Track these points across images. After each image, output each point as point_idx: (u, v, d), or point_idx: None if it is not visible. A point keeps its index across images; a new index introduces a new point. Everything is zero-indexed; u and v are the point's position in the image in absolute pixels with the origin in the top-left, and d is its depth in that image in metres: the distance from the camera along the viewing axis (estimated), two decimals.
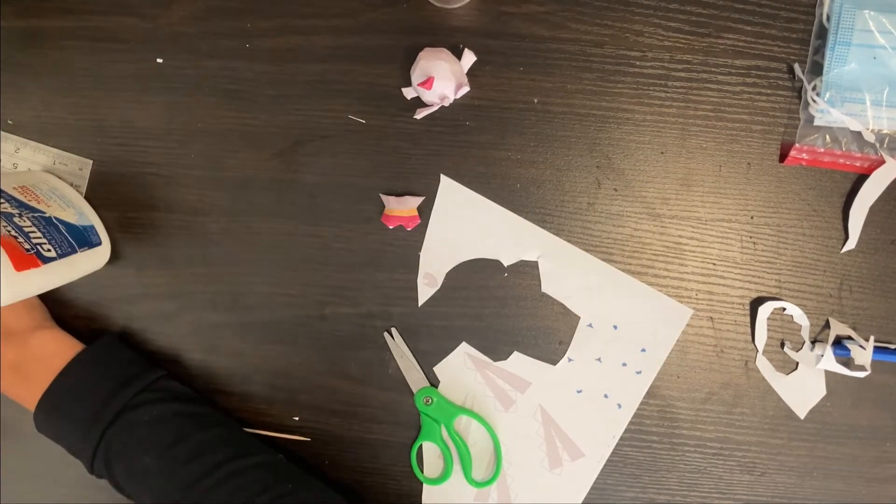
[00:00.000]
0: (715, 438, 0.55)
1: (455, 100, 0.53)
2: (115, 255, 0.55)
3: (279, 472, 0.50)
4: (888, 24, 0.50)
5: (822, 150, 0.51)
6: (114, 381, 0.50)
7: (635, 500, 0.56)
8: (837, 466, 0.54)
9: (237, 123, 0.55)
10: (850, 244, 0.52)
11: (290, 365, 0.56)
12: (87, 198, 0.55)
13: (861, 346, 0.52)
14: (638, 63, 0.53)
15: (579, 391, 0.55)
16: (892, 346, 0.53)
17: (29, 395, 0.50)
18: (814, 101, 0.51)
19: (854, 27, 0.50)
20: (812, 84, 0.51)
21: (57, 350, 0.51)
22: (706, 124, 0.53)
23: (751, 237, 0.53)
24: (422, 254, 0.54)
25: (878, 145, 0.51)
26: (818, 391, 0.54)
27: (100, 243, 0.53)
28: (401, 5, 0.54)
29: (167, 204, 0.55)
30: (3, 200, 0.46)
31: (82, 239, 0.51)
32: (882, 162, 0.51)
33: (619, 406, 0.55)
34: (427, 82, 0.50)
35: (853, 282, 0.53)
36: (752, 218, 0.53)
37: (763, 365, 0.54)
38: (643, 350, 0.54)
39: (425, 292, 0.55)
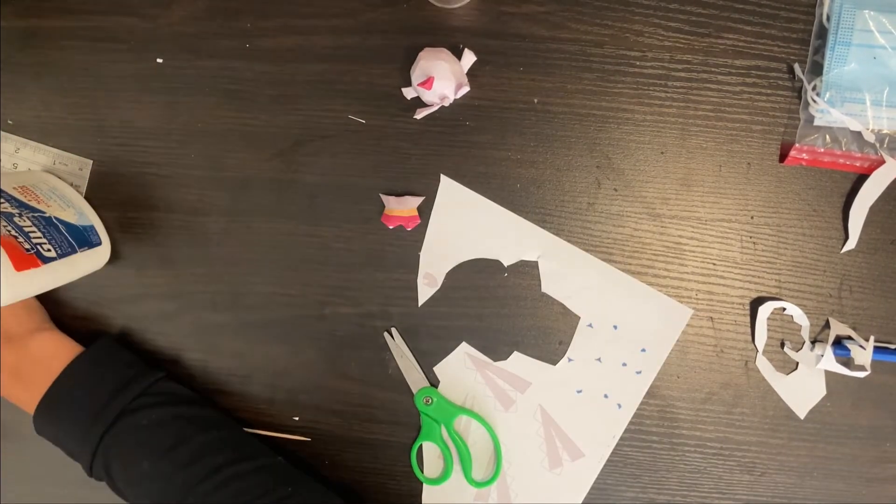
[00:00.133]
0: (715, 438, 0.55)
1: (455, 100, 0.53)
2: (115, 255, 0.55)
3: (279, 474, 0.50)
4: (888, 24, 0.50)
5: (822, 150, 0.51)
6: (112, 383, 0.50)
7: (635, 500, 0.56)
8: (837, 466, 0.54)
9: (237, 123, 0.55)
10: (850, 244, 0.52)
11: (290, 365, 0.56)
12: (87, 198, 0.55)
13: (861, 346, 0.52)
14: (638, 63, 0.53)
15: (579, 391, 0.55)
16: (892, 346, 0.53)
17: (28, 397, 0.50)
18: (814, 101, 0.51)
19: (854, 27, 0.50)
20: (812, 84, 0.51)
21: (56, 352, 0.51)
22: (706, 124, 0.53)
23: (751, 237, 0.53)
24: (422, 254, 0.54)
25: (878, 145, 0.51)
26: (818, 391, 0.54)
27: (100, 243, 0.53)
28: (401, 5, 0.54)
29: (167, 204, 0.55)
30: (2, 200, 0.46)
31: (82, 239, 0.51)
32: (882, 162, 0.51)
33: (619, 406, 0.55)
34: (427, 82, 0.50)
35: (853, 282, 0.53)
36: (752, 218, 0.53)
37: (763, 365, 0.54)
38: (643, 350, 0.54)
39: (425, 292, 0.55)
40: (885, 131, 0.51)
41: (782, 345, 0.54)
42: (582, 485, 0.55)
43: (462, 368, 0.55)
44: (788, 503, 0.55)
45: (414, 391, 0.55)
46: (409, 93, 0.53)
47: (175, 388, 0.53)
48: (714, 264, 0.54)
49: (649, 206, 0.53)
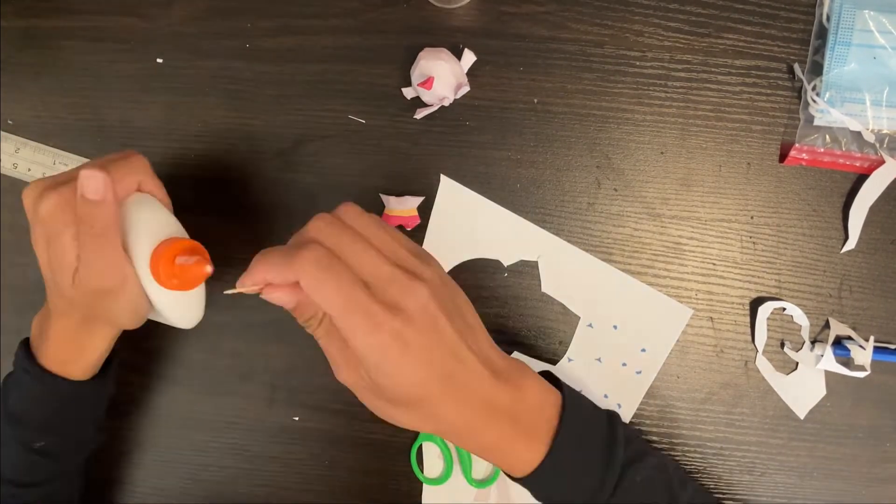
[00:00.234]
0: (715, 438, 0.55)
1: (455, 100, 0.53)
2: None
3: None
4: (888, 24, 0.50)
5: (822, 150, 0.51)
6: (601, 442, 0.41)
7: None
8: (837, 466, 0.54)
9: (237, 123, 0.55)
10: (850, 244, 0.52)
11: (290, 365, 0.56)
12: None
13: (861, 346, 0.52)
14: (638, 63, 0.53)
15: (579, 391, 0.55)
16: (892, 346, 0.53)
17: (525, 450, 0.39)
18: (814, 101, 0.51)
19: (854, 27, 0.50)
20: (812, 84, 0.51)
21: (546, 397, 0.40)
22: (706, 124, 0.53)
23: (751, 237, 0.53)
24: None
25: (878, 145, 0.51)
26: (818, 391, 0.54)
27: None
28: (401, 5, 0.54)
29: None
30: None
31: None
32: (882, 162, 0.51)
33: (619, 406, 0.55)
34: (427, 82, 0.50)
35: (853, 282, 0.53)
36: (752, 218, 0.53)
37: (763, 365, 0.54)
38: (643, 350, 0.54)
39: None
40: (885, 131, 0.51)
41: (782, 345, 0.54)
42: None
43: None
44: (788, 503, 0.55)
45: None
46: (409, 93, 0.53)
47: (626, 431, 0.43)
48: (714, 264, 0.54)
49: (649, 206, 0.53)
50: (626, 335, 0.54)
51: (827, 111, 0.50)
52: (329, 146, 0.54)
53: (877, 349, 0.52)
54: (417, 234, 0.54)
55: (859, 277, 0.53)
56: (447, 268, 0.54)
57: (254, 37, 0.54)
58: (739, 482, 0.55)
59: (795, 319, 0.54)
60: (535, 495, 0.41)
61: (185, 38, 0.55)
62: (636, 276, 0.54)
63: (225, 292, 0.38)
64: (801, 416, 0.54)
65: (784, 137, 0.53)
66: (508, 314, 0.55)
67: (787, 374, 0.54)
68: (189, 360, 0.56)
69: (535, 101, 0.53)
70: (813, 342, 0.54)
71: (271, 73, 0.54)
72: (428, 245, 0.54)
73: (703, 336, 0.54)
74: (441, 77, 0.50)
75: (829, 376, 0.53)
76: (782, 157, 0.53)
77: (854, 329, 0.53)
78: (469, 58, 0.52)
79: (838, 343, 0.53)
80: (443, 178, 0.54)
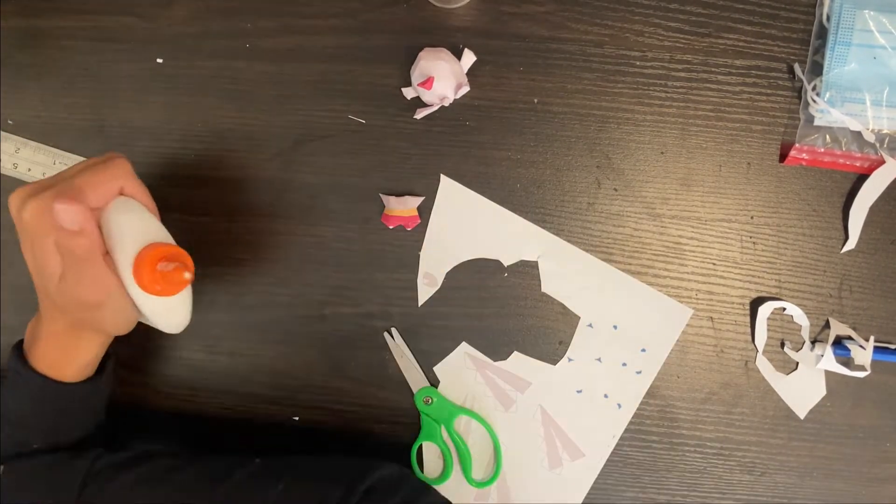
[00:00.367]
0: (715, 438, 0.55)
1: (455, 100, 0.53)
2: None
3: (264, 475, 0.46)
4: (888, 24, 0.50)
5: (822, 150, 0.51)
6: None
7: (635, 500, 0.56)
8: (837, 466, 0.54)
9: (237, 123, 0.55)
10: (850, 244, 0.52)
11: (290, 365, 0.56)
12: None
13: (861, 346, 0.52)
14: (638, 63, 0.53)
15: (579, 391, 0.55)
16: (892, 346, 0.53)
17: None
18: (814, 101, 0.51)
19: (854, 27, 0.50)
20: (812, 84, 0.51)
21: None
22: (706, 124, 0.53)
23: (751, 237, 0.53)
24: (422, 254, 0.54)
25: (878, 145, 0.51)
26: (818, 391, 0.54)
27: None
28: (401, 5, 0.54)
29: (167, 204, 0.55)
30: None
31: None
32: (882, 162, 0.51)
33: (619, 406, 0.55)
34: (427, 82, 0.50)
35: (853, 282, 0.53)
36: (752, 218, 0.53)
37: (763, 365, 0.54)
38: (643, 350, 0.54)
39: (425, 292, 0.55)
40: (885, 131, 0.51)
41: (782, 345, 0.54)
42: (582, 485, 0.55)
43: (462, 368, 0.55)
44: (788, 503, 0.55)
45: (414, 391, 0.55)
46: (409, 93, 0.53)
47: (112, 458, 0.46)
48: (714, 264, 0.54)
49: (649, 206, 0.53)
50: (626, 335, 0.54)
51: (827, 111, 0.50)
52: (329, 146, 0.54)
53: (877, 349, 0.52)
54: (417, 234, 0.54)
55: (859, 277, 0.53)
56: (447, 268, 0.54)
57: (254, 37, 0.54)
58: (739, 482, 0.55)
59: (795, 319, 0.54)
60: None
61: (185, 38, 0.55)
62: (636, 276, 0.54)
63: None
64: (801, 416, 0.54)
65: (784, 137, 0.53)
66: (508, 314, 0.55)
67: (787, 374, 0.54)
68: (189, 360, 0.56)
69: (535, 101, 0.53)
70: (813, 342, 0.54)
71: (271, 73, 0.54)
72: (428, 245, 0.54)
73: (703, 336, 0.54)
74: (441, 77, 0.50)
75: (829, 376, 0.53)
76: (782, 157, 0.53)
77: (854, 329, 0.53)
78: (469, 58, 0.52)
79: (838, 343, 0.53)
80: (443, 178, 0.54)
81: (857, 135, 0.51)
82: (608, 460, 0.55)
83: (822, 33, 0.51)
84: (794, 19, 0.52)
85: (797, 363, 0.54)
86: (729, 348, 0.54)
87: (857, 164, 0.52)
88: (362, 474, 0.44)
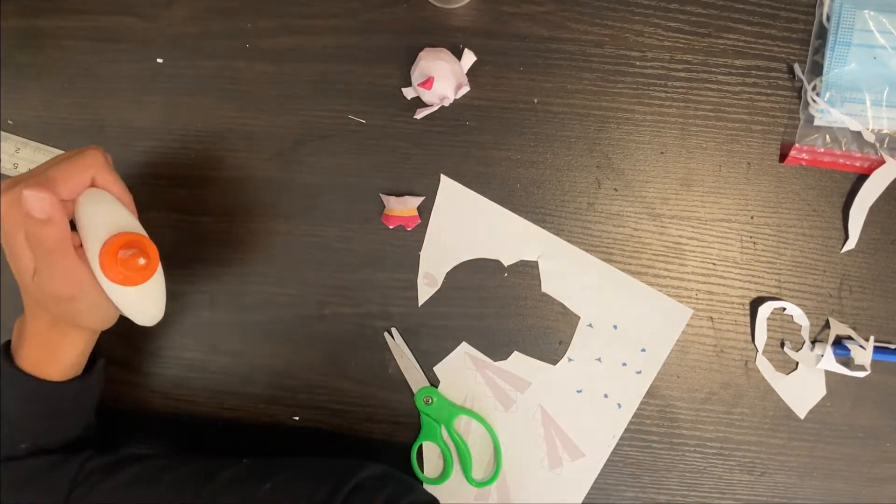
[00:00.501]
0: (715, 438, 0.55)
1: (455, 100, 0.53)
2: None
3: (251, 476, 0.46)
4: (888, 24, 0.50)
5: (822, 150, 0.51)
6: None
7: (635, 500, 0.56)
8: (837, 466, 0.54)
9: (237, 123, 0.55)
10: (850, 244, 0.52)
11: (290, 365, 0.56)
12: None
13: (861, 346, 0.52)
14: (638, 63, 0.53)
15: (579, 391, 0.55)
16: (892, 346, 0.53)
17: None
18: (814, 101, 0.51)
19: (854, 27, 0.50)
20: (812, 84, 0.51)
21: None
22: (706, 124, 0.53)
23: (751, 237, 0.53)
24: (422, 254, 0.54)
25: (878, 145, 0.51)
26: (818, 391, 0.54)
27: None
28: (401, 5, 0.54)
29: (167, 204, 0.55)
30: None
31: None
32: (882, 162, 0.51)
33: (619, 406, 0.55)
34: (427, 82, 0.50)
35: (853, 282, 0.53)
36: (752, 218, 0.53)
37: (763, 365, 0.54)
38: (643, 350, 0.54)
39: (425, 292, 0.55)
40: (885, 131, 0.51)
41: (782, 345, 0.54)
42: (582, 485, 0.55)
43: (462, 368, 0.55)
44: (788, 503, 0.55)
45: (414, 391, 0.55)
46: (409, 93, 0.53)
47: (101, 461, 0.46)
48: (714, 264, 0.54)
49: (649, 206, 0.53)
50: (626, 335, 0.54)
51: (827, 111, 0.50)
52: (329, 146, 0.54)
53: (877, 349, 0.52)
54: (417, 234, 0.54)
55: (859, 277, 0.53)
56: (447, 268, 0.54)
57: (254, 37, 0.54)
58: (739, 482, 0.55)
59: (795, 319, 0.54)
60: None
61: (185, 38, 0.55)
62: (636, 276, 0.54)
63: None
64: (801, 416, 0.54)
65: (784, 137, 0.53)
66: (508, 314, 0.55)
67: (787, 374, 0.54)
68: (189, 360, 0.56)
69: (535, 101, 0.53)
70: (813, 342, 0.54)
71: (271, 73, 0.54)
72: (428, 245, 0.54)
73: (703, 336, 0.54)
74: (441, 77, 0.50)
75: (829, 376, 0.53)
76: (782, 157, 0.53)
77: (854, 329, 0.53)
78: (469, 58, 0.52)
79: (838, 343, 0.53)
80: (443, 178, 0.54)
81: (857, 135, 0.51)
82: (608, 460, 0.55)
83: (822, 33, 0.51)
84: (794, 19, 0.52)
85: (797, 363, 0.54)
86: (729, 348, 0.54)
87: (857, 164, 0.52)
88: (348, 474, 0.44)
